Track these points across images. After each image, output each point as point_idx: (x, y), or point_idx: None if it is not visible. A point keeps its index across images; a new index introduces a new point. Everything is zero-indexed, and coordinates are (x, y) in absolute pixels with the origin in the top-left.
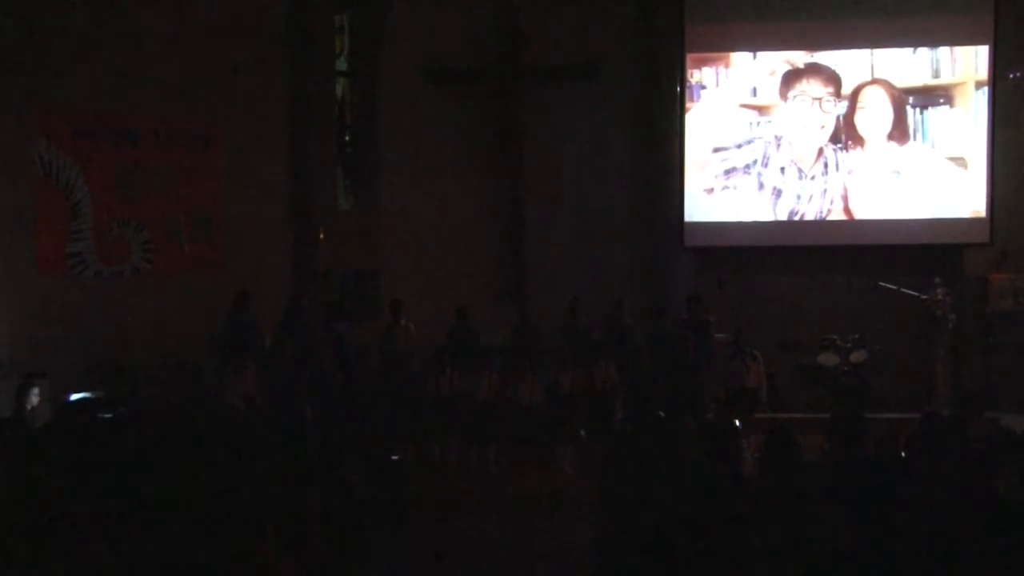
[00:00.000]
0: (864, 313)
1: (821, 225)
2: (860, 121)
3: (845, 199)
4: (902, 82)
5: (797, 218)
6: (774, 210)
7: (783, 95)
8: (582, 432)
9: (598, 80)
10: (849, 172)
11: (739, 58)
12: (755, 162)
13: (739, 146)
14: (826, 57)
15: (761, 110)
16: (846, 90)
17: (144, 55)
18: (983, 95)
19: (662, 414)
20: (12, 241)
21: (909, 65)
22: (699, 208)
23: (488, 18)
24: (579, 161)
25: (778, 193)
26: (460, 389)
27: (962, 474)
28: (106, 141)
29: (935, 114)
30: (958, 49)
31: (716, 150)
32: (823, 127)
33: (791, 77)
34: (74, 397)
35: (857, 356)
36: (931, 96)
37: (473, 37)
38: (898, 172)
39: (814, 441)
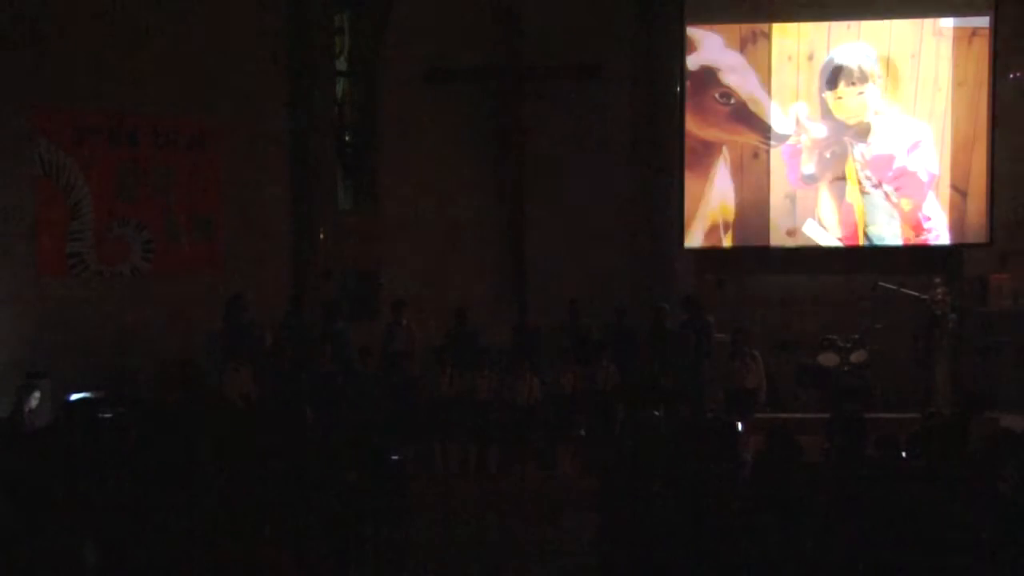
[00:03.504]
0: (864, 313)
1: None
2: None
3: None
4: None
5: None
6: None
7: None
8: (582, 432)
9: (598, 80)
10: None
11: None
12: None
13: None
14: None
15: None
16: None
17: (144, 55)
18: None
19: (657, 413)
20: (12, 241)
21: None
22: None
23: (488, 18)
24: (579, 161)
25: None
26: (460, 389)
27: (962, 474)
28: (106, 141)
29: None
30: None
31: None
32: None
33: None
34: (74, 397)
35: (857, 356)
36: None
37: (473, 37)
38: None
39: (814, 441)
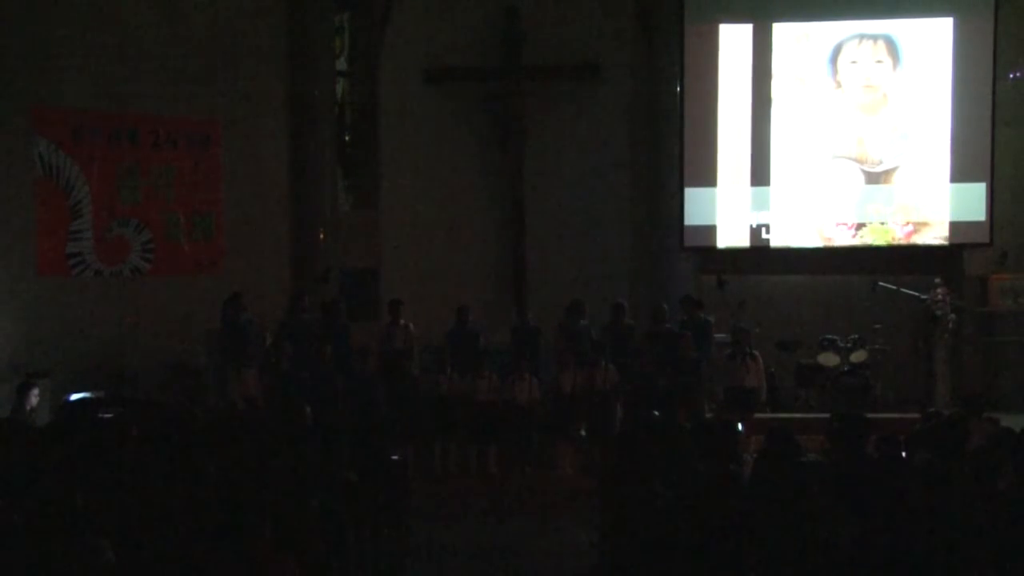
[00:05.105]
0: (864, 313)
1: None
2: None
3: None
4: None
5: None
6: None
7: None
8: (582, 432)
9: (598, 80)
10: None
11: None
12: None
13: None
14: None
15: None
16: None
17: (144, 55)
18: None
19: (657, 414)
20: (12, 241)
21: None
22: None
23: (488, 18)
24: (579, 161)
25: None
26: (460, 389)
27: (962, 474)
28: (106, 141)
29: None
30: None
31: None
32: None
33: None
34: (74, 397)
35: (857, 356)
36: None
37: (473, 37)
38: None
39: (814, 441)
